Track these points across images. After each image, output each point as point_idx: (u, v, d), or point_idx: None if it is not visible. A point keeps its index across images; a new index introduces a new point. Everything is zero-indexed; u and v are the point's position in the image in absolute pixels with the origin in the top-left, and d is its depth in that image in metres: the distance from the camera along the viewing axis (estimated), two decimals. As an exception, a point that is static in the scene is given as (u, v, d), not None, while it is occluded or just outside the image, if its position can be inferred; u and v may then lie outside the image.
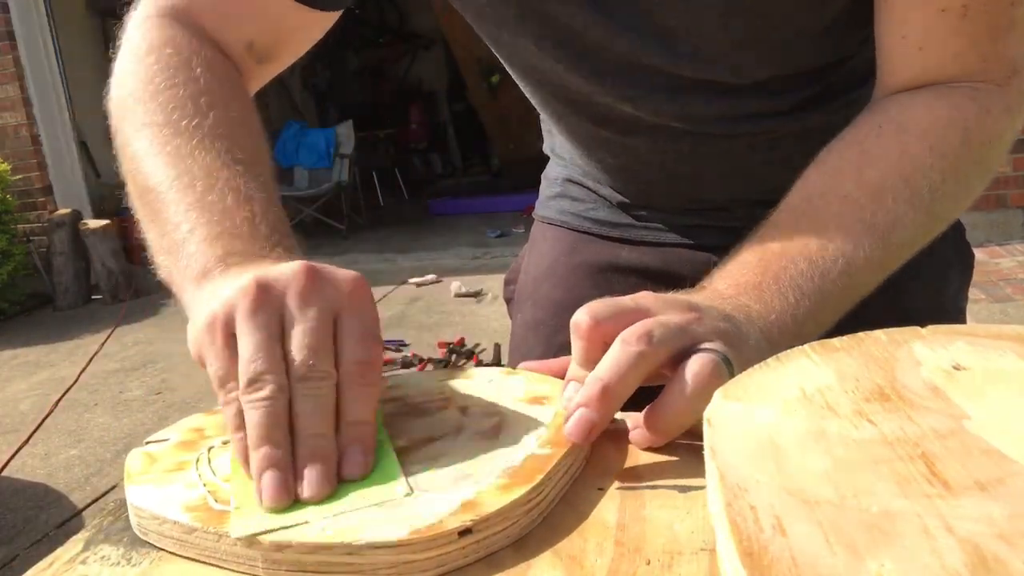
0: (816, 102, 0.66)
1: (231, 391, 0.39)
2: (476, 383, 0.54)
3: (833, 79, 0.65)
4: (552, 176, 0.86)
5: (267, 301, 0.40)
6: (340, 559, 0.35)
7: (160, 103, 0.54)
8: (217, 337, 0.40)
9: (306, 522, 0.36)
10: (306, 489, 0.37)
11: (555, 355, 0.77)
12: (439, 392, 0.52)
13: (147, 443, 0.48)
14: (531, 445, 0.43)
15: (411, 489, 0.38)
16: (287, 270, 0.42)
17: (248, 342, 0.39)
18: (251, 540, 0.36)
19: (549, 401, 0.49)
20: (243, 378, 0.39)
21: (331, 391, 0.39)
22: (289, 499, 0.37)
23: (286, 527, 0.36)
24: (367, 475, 0.39)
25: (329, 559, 0.35)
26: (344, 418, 0.40)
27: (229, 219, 0.48)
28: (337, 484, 0.38)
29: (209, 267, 0.46)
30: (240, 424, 0.39)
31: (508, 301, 0.89)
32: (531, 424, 0.46)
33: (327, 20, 0.65)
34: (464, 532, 0.35)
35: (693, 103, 0.64)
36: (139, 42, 0.60)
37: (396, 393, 0.53)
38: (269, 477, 0.37)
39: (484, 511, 0.36)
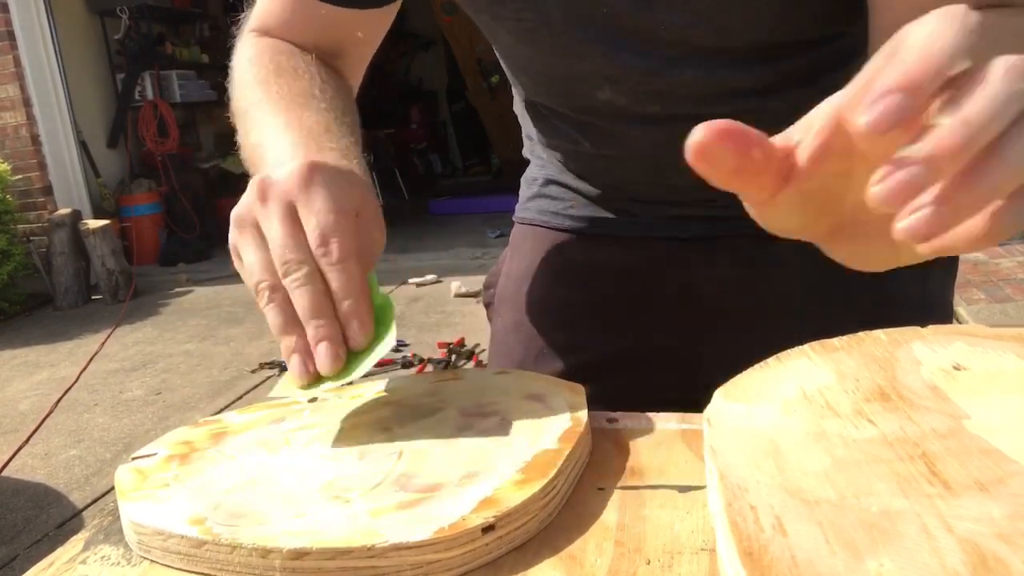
0: (799, 80, 0.64)
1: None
2: (470, 384, 0.54)
3: (816, 56, 0.64)
4: (531, 177, 0.85)
5: (243, 223, 0.47)
6: (363, 563, 0.35)
7: (282, 81, 0.62)
8: (237, 260, 0.49)
9: (315, 397, 0.45)
10: (320, 367, 0.44)
11: (535, 358, 0.76)
12: (436, 394, 0.52)
13: (134, 458, 0.47)
14: (538, 440, 0.43)
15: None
16: (245, 193, 0.48)
17: (245, 261, 0.47)
18: (267, 550, 0.35)
19: (545, 398, 0.49)
20: (252, 292, 0.46)
21: (311, 277, 0.45)
22: (310, 379, 0.45)
23: (307, 388, 0.44)
24: (369, 342, 0.45)
25: (351, 563, 0.35)
26: (335, 298, 0.45)
27: (282, 143, 0.54)
28: (346, 356, 0.45)
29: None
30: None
31: (487, 306, 0.87)
32: (533, 420, 0.46)
33: (378, 17, 0.69)
34: (487, 528, 0.36)
35: (673, 78, 0.62)
36: (248, 52, 0.68)
37: (394, 397, 0.53)
38: (295, 361, 0.45)
39: (505, 507, 0.37)
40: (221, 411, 3.10)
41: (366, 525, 0.36)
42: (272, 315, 0.45)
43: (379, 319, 0.47)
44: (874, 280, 0.70)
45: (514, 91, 0.79)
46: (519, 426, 0.45)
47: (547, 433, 0.44)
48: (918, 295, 0.72)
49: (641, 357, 0.72)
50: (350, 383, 0.45)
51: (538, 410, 0.47)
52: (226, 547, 0.36)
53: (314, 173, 0.47)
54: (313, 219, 0.45)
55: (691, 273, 0.71)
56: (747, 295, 0.70)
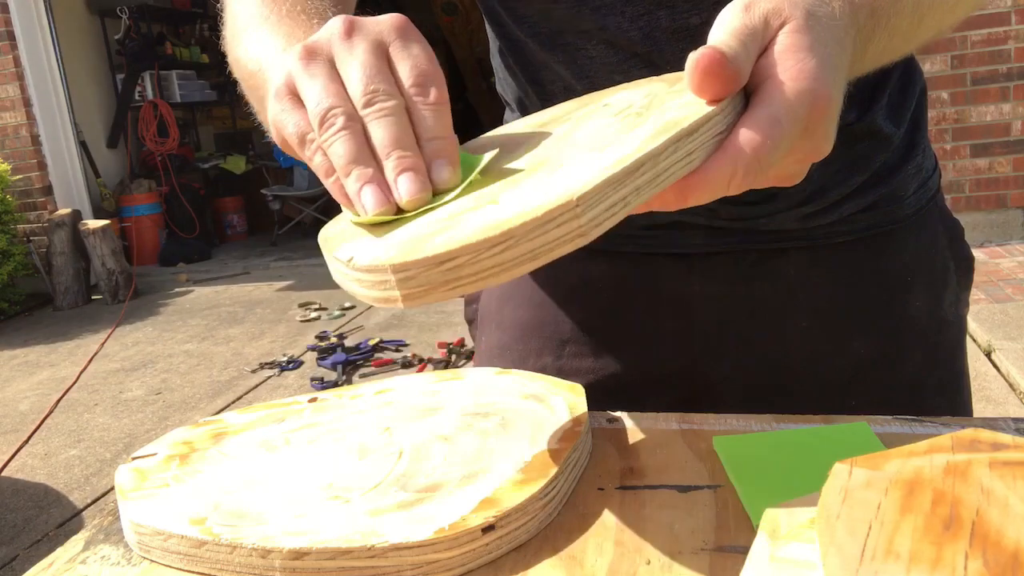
0: None
1: (312, 141, 0.40)
2: (471, 384, 0.54)
3: None
4: None
5: (315, 54, 0.41)
6: (363, 563, 0.35)
7: (241, 11, 0.56)
8: (284, 102, 0.42)
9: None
10: (403, 194, 0.37)
11: None
12: (436, 394, 0.52)
13: (134, 458, 0.47)
14: (538, 441, 0.43)
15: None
16: (327, 27, 0.42)
17: (308, 92, 0.40)
18: (267, 550, 0.35)
19: (546, 398, 0.49)
20: (314, 123, 0.40)
21: (399, 110, 0.39)
22: (390, 206, 0.37)
23: (399, 220, 0.37)
24: (456, 186, 0.39)
25: (351, 564, 0.35)
26: (421, 138, 0.39)
27: (285, 35, 0.50)
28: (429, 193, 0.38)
29: (274, 62, 0.48)
30: (331, 168, 0.40)
31: (470, 323, 0.81)
32: (533, 421, 0.46)
33: None
34: (487, 528, 0.36)
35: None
36: None
37: (394, 397, 0.53)
38: (367, 191, 0.38)
39: (504, 507, 0.37)
40: (221, 411, 3.10)
41: (366, 525, 0.36)
42: (341, 145, 0.39)
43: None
44: (885, 297, 0.65)
45: (500, 59, 0.72)
46: (519, 426, 0.45)
47: (547, 433, 0.44)
48: (931, 312, 0.67)
49: (638, 383, 0.67)
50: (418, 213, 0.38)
51: (538, 410, 0.47)
52: (226, 547, 0.36)
53: (409, 25, 0.42)
54: (411, 61, 0.41)
55: (690, 291, 0.66)
56: (751, 315, 0.65)
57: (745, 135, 0.36)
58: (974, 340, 2.92)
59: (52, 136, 5.62)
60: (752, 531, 0.36)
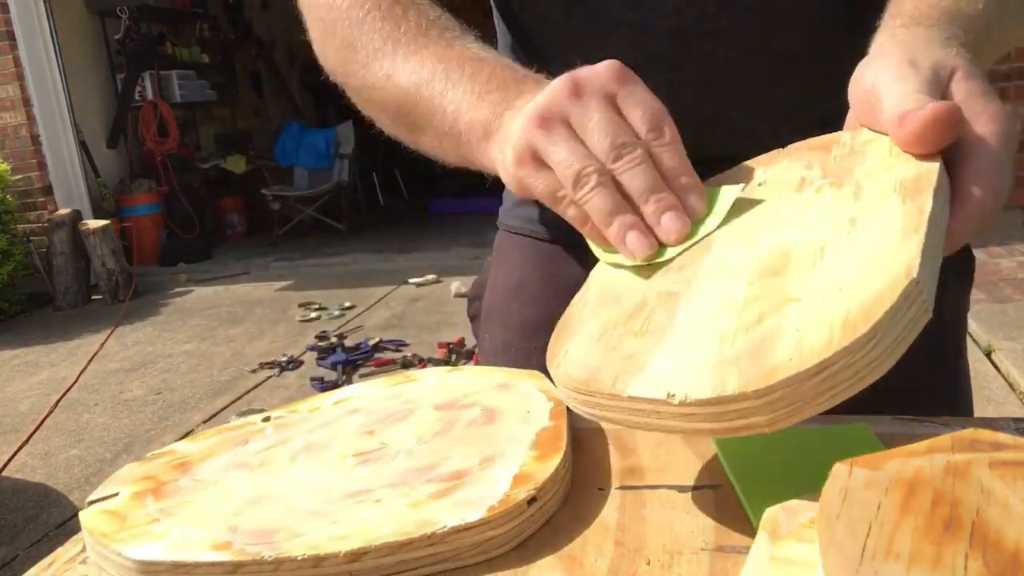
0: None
1: (563, 198, 0.45)
2: (430, 383, 0.54)
3: None
4: None
5: (551, 119, 0.45)
6: (423, 552, 0.35)
7: (367, 30, 0.59)
8: (527, 167, 0.46)
9: (673, 256, 0.42)
10: (668, 234, 0.43)
11: None
12: (399, 396, 0.52)
13: (91, 503, 0.43)
14: (530, 421, 0.45)
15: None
16: (548, 91, 0.46)
17: (555, 156, 0.44)
18: (320, 558, 0.35)
19: (513, 386, 0.51)
20: (567, 183, 0.44)
21: (646, 158, 0.44)
22: (654, 248, 0.43)
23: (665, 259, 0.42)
24: (705, 216, 0.43)
25: (411, 555, 0.35)
26: (666, 177, 0.44)
27: (479, 83, 0.52)
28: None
29: (489, 127, 0.51)
30: (585, 218, 0.44)
31: (473, 319, 0.80)
32: (512, 406, 0.47)
33: None
34: (531, 501, 0.37)
35: None
36: None
37: (358, 404, 0.52)
38: (632, 236, 0.43)
39: (539, 479, 0.38)
40: (220, 411, 3.10)
41: (414, 516, 0.37)
42: (600, 199, 0.43)
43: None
44: None
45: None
46: (505, 412, 0.47)
47: (535, 413, 0.45)
48: (934, 315, 0.68)
49: None
50: (684, 250, 0.43)
51: (513, 397, 0.49)
52: (270, 564, 0.35)
53: (625, 69, 0.46)
54: (640, 107, 0.45)
55: None
56: None
57: (979, 186, 0.37)
58: (974, 340, 2.92)
59: (52, 136, 5.62)
60: (752, 531, 0.36)
